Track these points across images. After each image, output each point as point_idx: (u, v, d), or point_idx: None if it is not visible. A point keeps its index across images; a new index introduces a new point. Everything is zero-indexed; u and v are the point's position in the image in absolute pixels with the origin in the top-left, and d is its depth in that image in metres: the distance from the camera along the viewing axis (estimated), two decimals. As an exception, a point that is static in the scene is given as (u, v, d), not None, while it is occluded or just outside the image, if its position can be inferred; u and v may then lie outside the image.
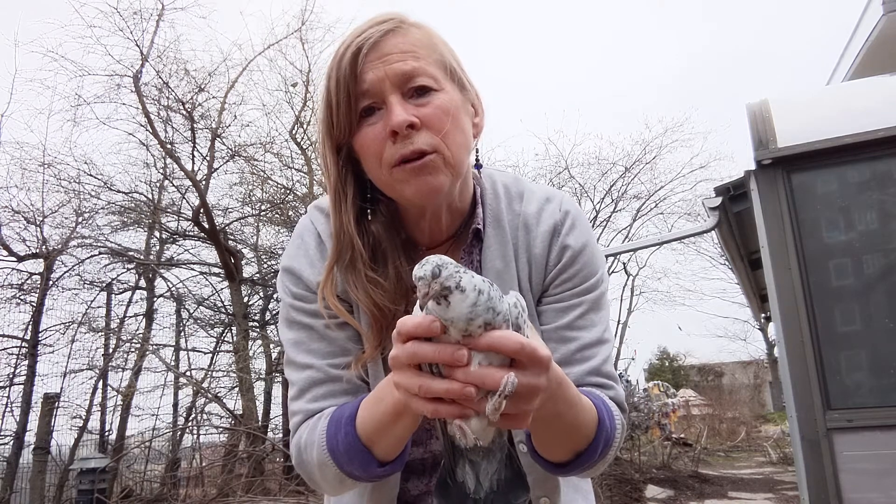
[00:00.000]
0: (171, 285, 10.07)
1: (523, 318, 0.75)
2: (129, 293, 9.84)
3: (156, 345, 9.34)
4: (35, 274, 8.31)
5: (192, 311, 10.33)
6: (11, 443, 7.53)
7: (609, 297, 1.13)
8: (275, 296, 10.93)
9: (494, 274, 1.03)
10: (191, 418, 9.13)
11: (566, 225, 1.07)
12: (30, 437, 7.56)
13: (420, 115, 0.93)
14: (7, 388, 7.74)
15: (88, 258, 9.13)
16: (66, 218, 8.98)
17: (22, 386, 7.72)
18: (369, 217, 1.02)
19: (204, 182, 9.30)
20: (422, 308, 0.72)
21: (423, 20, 1.01)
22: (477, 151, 1.09)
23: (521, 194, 1.10)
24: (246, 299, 10.56)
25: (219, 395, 9.03)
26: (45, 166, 8.74)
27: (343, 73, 0.93)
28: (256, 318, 10.76)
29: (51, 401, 7.62)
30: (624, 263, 16.11)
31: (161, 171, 9.97)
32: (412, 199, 0.96)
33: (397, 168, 0.93)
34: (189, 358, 10.08)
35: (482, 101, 1.07)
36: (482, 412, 0.72)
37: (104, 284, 9.36)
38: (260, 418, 9.62)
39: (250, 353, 9.79)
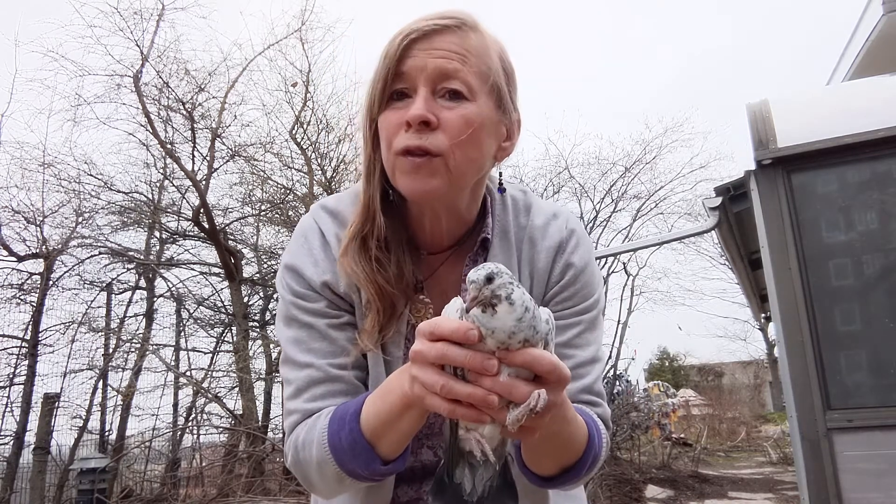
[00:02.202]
0: (171, 285, 10.08)
1: (552, 336, 0.76)
2: (129, 293, 9.85)
3: (156, 345, 9.35)
4: (35, 274, 8.31)
5: (192, 311, 10.34)
6: (11, 443, 7.52)
7: (603, 318, 1.15)
8: (275, 296, 10.91)
9: None
10: (191, 418, 9.13)
11: (571, 243, 1.08)
12: (30, 437, 7.56)
13: (441, 116, 0.93)
14: (7, 388, 7.74)
15: (88, 258, 9.14)
16: (66, 218, 8.98)
17: (22, 386, 7.71)
18: (388, 201, 1.03)
19: (204, 182, 9.30)
20: (468, 311, 0.71)
21: (492, 30, 1.00)
22: (500, 174, 1.10)
23: (528, 207, 1.11)
24: (246, 299, 10.56)
25: (219, 395, 9.03)
26: (45, 166, 8.74)
27: (390, 53, 0.94)
28: (256, 318, 10.76)
29: (51, 401, 7.62)
30: (624, 263, 16.08)
31: (161, 171, 9.98)
32: (405, 191, 0.97)
33: (400, 157, 0.94)
34: (189, 358, 10.09)
35: (520, 128, 1.06)
36: (499, 421, 0.73)
37: (104, 284, 9.36)
38: (260, 418, 9.62)
39: (250, 353, 9.79)
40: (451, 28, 0.96)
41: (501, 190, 1.11)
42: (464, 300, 0.74)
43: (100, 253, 9.28)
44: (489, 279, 0.70)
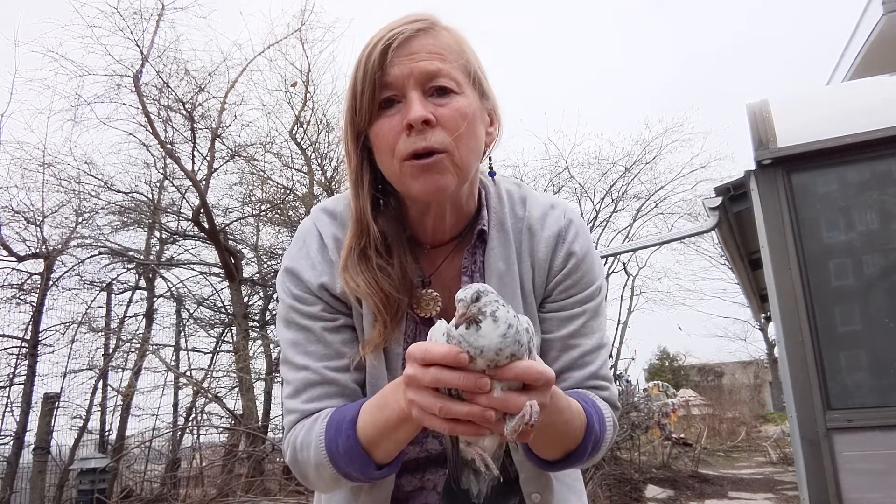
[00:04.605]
0: (171, 285, 10.09)
1: (534, 342, 0.80)
2: (129, 293, 9.85)
3: (156, 345, 9.35)
4: (35, 274, 8.31)
5: (192, 311, 10.34)
6: (11, 443, 7.52)
7: (606, 302, 1.17)
8: (275, 295, 10.90)
9: (497, 275, 1.06)
10: (191, 418, 9.13)
11: (571, 232, 1.09)
12: (30, 437, 7.56)
13: (437, 114, 0.95)
14: (7, 388, 7.74)
15: (88, 258, 9.14)
16: (66, 218, 9.00)
17: (22, 386, 7.72)
18: (381, 207, 1.05)
19: (204, 182, 9.30)
20: (456, 327, 0.75)
21: (455, 24, 1.04)
22: (490, 160, 1.12)
23: (524, 199, 1.13)
24: (246, 299, 10.56)
25: (219, 395, 9.03)
26: (45, 166, 8.76)
27: (371, 64, 0.96)
28: (256, 318, 10.76)
29: (51, 401, 7.62)
30: (624, 263, 16.13)
31: (161, 171, 9.99)
32: (418, 195, 0.98)
33: (407, 162, 0.96)
34: (189, 358, 10.09)
35: (500, 112, 1.10)
36: (497, 432, 0.78)
37: (104, 284, 9.36)
38: (260, 418, 9.62)
39: (250, 353, 9.79)
40: (425, 30, 0.99)
41: (492, 174, 1.13)
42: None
43: (100, 253, 9.29)
44: (476, 298, 0.75)
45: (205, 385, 9.10)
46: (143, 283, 10.11)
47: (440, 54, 0.98)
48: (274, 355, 10.25)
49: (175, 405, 9.46)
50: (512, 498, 0.94)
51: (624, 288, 16.72)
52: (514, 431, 0.76)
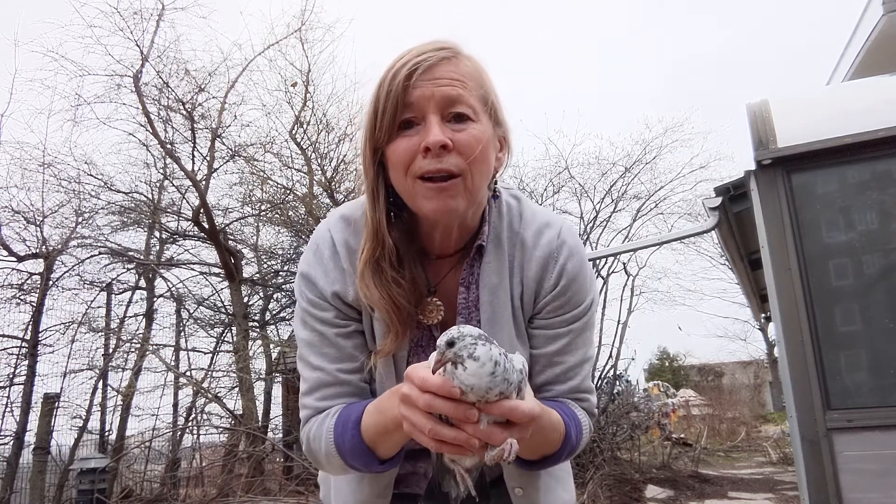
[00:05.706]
0: (171, 285, 10.08)
1: (525, 381, 0.87)
2: (129, 293, 9.84)
3: (156, 345, 9.34)
4: (35, 274, 8.31)
5: (192, 311, 10.34)
6: (11, 443, 7.52)
7: (595, 317, 1.23)
8: (275, 295, 10.96)
9: (490, 288, 1.12)
10: (191, 418, 9.13)
11: (563, 254, 1.13)
12: (30, 437, 7.57)
13: (454, 139, 1.00)
14: (7, 388, 7.74)
15: (88, 258, 9.14)
16: (66, 218, 8.99)
17: (22, 386, 7.72)
18: (393, 220, 1.10)
19: (204, 182, 9.30)
20: (434, 372, 0.82)
21: (476, 53, 1.08)
22: (496, 183, 1.16)
23: (521, 214, 1.18)
24: (246, 299, 10.56)
25: (219, 395, 9.02)
26: (45, 166, 8.75)
27: (395, 86, 1.00)
28: (256, 318, 10.76)
29: (51, 401, 7.62)
30: (624, 263, 16.05)
31: (161, 171, 9.98)
32: (428, 213, 1.03)
33: (421, 182, 1.01)
34: (189, 358, 10.09)
35: (511, 139, 1.15)
36: (479, 456, 0.86)
37: (104, 284, 9.36)
38: (260, 418, 9.62)
39: (250, 353, 9.78)
40: (448, 58, 1.04)
41: (496, 197, 1.17)
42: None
43: (100, 253, 9.28)
44: (450, 344, 0.80)
45: (205, 385, 9.10)
46: (143, 283, 10.10)
47: (462, 81, 1.02)
48: (274, 355, 10.25)
49: (175, 405, 9.46)
50: (488, 501, 1.05)
51: (624, 288, 16.64)
52: (493, 459, 0.84)
